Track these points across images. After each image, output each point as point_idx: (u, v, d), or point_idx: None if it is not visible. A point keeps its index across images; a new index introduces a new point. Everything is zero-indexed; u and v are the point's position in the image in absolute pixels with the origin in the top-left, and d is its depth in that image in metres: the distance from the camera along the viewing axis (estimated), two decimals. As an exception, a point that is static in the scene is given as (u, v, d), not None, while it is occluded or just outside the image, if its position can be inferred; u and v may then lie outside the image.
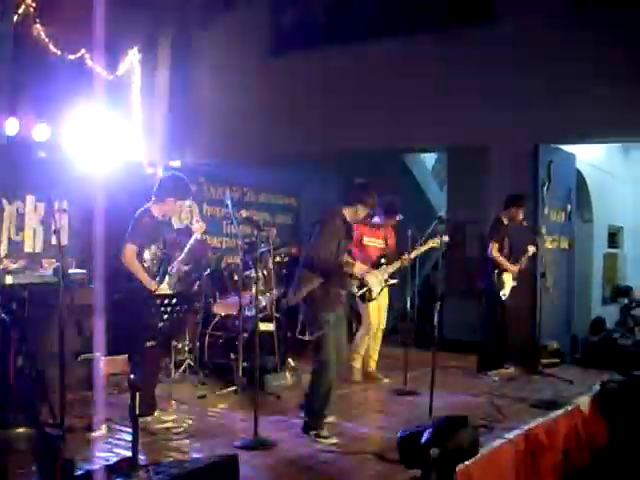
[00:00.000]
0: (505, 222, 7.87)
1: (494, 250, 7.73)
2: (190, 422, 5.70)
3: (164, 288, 5.64)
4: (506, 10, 8.84)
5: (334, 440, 5.26)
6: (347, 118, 9.78)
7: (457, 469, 4.33)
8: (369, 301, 7.12)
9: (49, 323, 6.00)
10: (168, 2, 10.68)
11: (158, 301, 5.06)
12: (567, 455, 6.09)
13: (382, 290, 7.16)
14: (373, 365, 7.61)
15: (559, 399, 6.49)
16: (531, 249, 7.84)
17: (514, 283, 7.85)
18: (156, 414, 5.61)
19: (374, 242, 7.39)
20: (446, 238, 6.65)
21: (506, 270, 7.77)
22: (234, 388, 6.79)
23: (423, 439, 3.94)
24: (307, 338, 5.58)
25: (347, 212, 5.65)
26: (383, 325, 7.58)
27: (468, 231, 9.13)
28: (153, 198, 5.74)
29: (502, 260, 7.75)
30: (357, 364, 7.48)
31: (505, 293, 7.79)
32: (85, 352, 6.46)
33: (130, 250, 5.49)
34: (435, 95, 9.24)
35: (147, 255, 5.60)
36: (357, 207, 5.63)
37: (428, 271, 10.88)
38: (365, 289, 7.09)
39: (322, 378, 5.39)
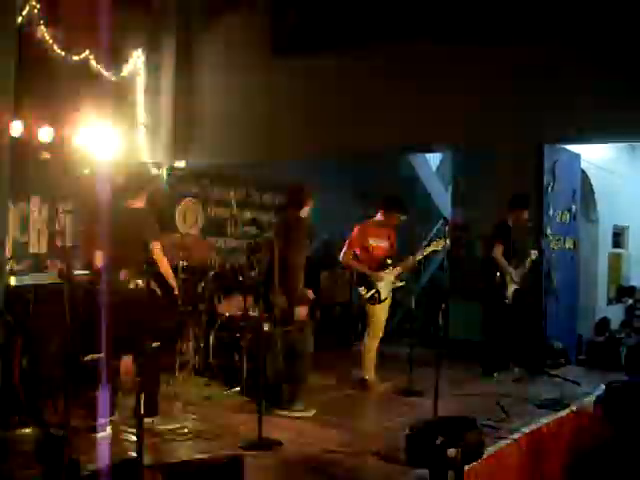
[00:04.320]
0: (510, 224, 7.87)
1: (498, 251, 7.72)
2: (195, 423, 5.70)
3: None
4: (506, 10, 8.83)
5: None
6: (349, 118, 9.76)
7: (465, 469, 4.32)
8: (379, 303, 7.09)
9: (54, 324, 6.01)
10: (172, 4, 10.70)
11: (166, 302, 5.09)
12: (572, 455, 6.08)
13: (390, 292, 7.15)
14: None
15: (564, 399, 6.47)
16: (533, 254, 7.82)
17: (516, 286, 7.85)
18: (161, 415, 5.61)
19: (379, 242, 7.25)
20: (447, 242, 6.50)
21: (509, 276, 7.78)
22: (239, 389, 6.79)
23: (440, 439, 3.90)
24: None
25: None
26: (383, 326, 7.43)
27: (473, 231, 9.11)
28: (131, 199, 5.83)
29: (504, 262, 7.74)
30: (371, 374, 7.24)
31: (508, 295, 7.79)
32: (90, 353, 6.46)
33: (160, 246, 5.74)
34: (438, 95, 9.21)
35: None
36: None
37: (433, 271, 10.88)
38: (374, 291, 7.07)
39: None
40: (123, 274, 5.55)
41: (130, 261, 5.58)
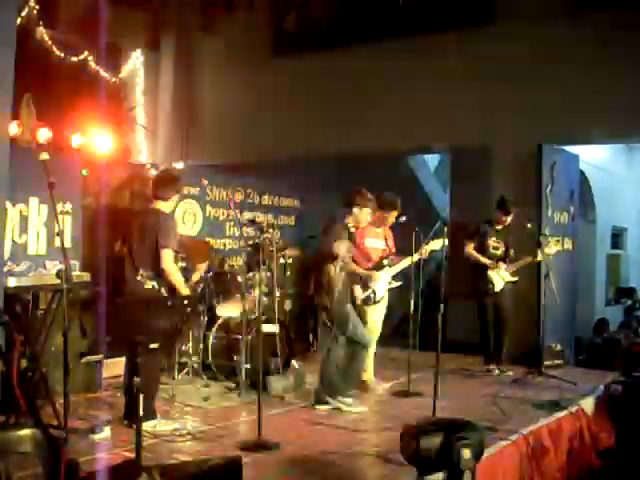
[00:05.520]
0: (493, 224, 8.08)
1: (468, 248, 8.03)
2: (193, 424, 5.70)
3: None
4: (507, 10, 8.84)
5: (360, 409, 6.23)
6: (349, 119, 9.78)
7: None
8: (374, 304, 7.09)
9: (52, 325, 6.01)
10: (171, 5, 10.71)
11: (170, 302, 5.08)
12: (571, 456, 6.08)
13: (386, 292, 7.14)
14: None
15: (563, 400, 6.47)
16: (545, 248, 7.89)
17: (513, 278, 8.02)
18: (159, 416, 5.61)
19: (375, 243, 7.25)
20: (446, 242, 6.55)
21: (491, 268, 7.96)
22: (237, 390, 6.79)
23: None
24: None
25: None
26: (379, 331, 7.40)
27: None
28: (158, 200, 5.75)
29: (477, 255, 8.01)
30: (370, 376, 7.28)
31: (496, 289, 7.95)
32: (89, 354, 6.47)
33: (170, 255, 5.51)
34: (437, 95, 9.24)
35: None
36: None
37: (431, 272, 10.87)
38: (369, 291, 7.06)
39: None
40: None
41: (146, 261, 5.56)
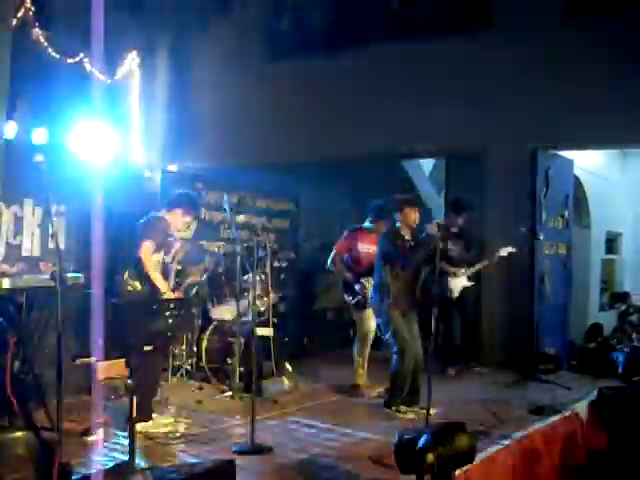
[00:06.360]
0: (448, 227, 8.11)
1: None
2: (187, 427, 5.69)
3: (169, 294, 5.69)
4: (504, 12, 8.84)
5: (411, 415, 6.17)
6: (346, 123, 9.77)
7: (454, 475, 4.32)
8: (364, 308, 7.10)
9: (46, 327, 6.00)
10: (167, 7, 10.69)
11: (160, 306, 5.08)
12: (564, 461, 6.08)
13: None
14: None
15: (556, 405, 6.48)
16: (502, 250, 7.88)
17: (469, 283, 8.12)
18: (153, 419, 5.60)
19: (368, 248, 7.25)
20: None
21: (451, 275, 8.05)
22: (231, 393, 6.78)
23: (420, 444, 3.93)
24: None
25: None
26: (373, 332, 7.46)
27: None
28: (164, 208, 5.94)
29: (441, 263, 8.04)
30: (363, 379, 7.31)
31: (454, 296, 8.05)
32: (82, 356, 6.45)
33: (148, 246, 5.58)
34: (434, 98, 9.23)
35: (153, 259, 5.67)
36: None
37: (425, 276, 10.87)
38: (359, 297, 7.08)
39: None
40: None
41: (132, 262, 5.60)
